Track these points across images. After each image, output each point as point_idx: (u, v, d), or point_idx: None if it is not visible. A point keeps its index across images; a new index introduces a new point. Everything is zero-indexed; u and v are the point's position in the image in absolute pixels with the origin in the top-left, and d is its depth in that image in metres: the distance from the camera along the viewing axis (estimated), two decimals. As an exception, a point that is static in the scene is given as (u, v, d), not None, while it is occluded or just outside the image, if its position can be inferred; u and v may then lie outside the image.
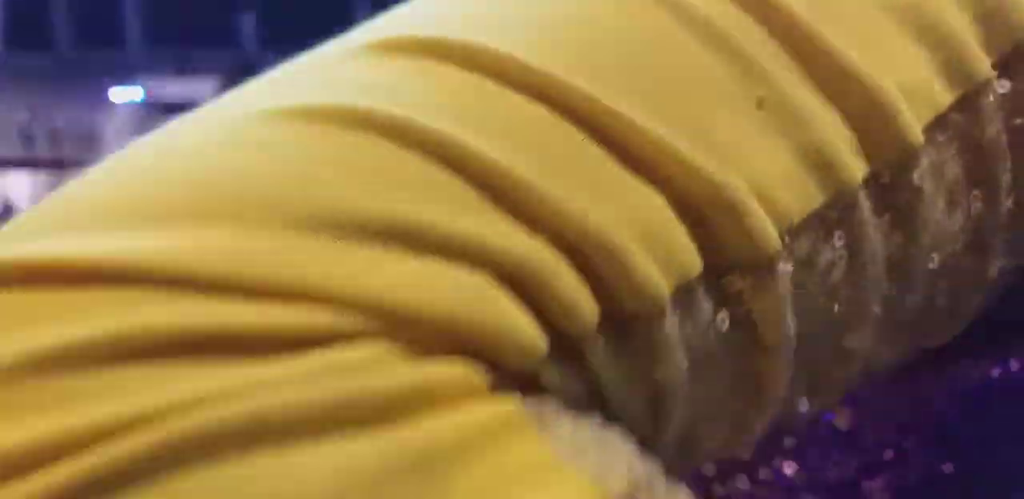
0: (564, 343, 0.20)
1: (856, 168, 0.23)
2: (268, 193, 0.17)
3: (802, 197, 0.22)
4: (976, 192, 0.25)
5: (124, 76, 18.50)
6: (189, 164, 0.18)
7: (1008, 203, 0.26)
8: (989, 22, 0.24)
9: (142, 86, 18.41)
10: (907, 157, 0.23)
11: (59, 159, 17.66)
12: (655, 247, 0.20)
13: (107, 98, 18.41)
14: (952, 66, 0.23)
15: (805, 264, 0.23)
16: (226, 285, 0.16)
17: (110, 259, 0.17)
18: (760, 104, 0.22)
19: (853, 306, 0.24)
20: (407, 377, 0.17)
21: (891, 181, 0.23)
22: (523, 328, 0.19)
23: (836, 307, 0.24)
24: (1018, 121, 0.25)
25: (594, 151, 0.20)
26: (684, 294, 0.21)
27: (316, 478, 0.16)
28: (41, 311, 0.16)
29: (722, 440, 0.25)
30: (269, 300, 0.16)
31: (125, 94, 18.08)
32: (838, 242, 0.23)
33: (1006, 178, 0.25)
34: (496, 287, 0.18)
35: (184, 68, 18.84)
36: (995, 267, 0.27)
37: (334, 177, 0.18)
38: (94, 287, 0.16)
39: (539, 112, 0.19)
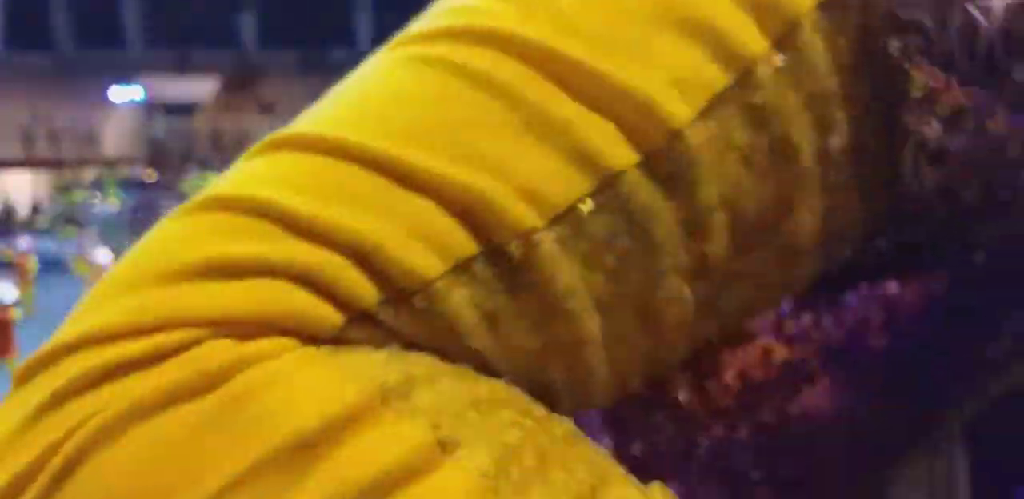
0: (362, 314, 0.28)
1: (621, 156, 0.29)
2: (152, 263, 0.28)
3: (568, 186, 0.29)
4: (771, 152, 0.30)
5: (124, 76, 18.49)
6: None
7: (811, 162, 0.30)
8: (761, 11, 0.30)
9: (142, 86, 18.40)
10: (674, 137, 0.29)
11: (59, 159, 17.71)
12: (424, 238, 0.28)
13: (107, 98, 18.40)
14: (724, 52, 0.30)
15: (587, 235, 0.29)
16: (127, 332, 0.27)
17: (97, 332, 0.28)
18: (524, 125, 0.29)
19: (649, 259, 0.30)
20: (228, 356, 0.26)
21: (665, 158, 0.29)
22: (315, 311, 0.27)
23: (631, 263, 0.30)
24: (812, 88, 0.30)
25: (381, 183, 0.29)
26: (464, 268, 0.28)
27: (160, 438, 0.26)
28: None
29: (569, 393, 0.31)
30: (151, 334, 0.27)
31: (125, 94, 18.08)
32: (617, 214, 0.29)
33: (803, 138, 0.30)
34: (293, 287, 0.27)
35: (184, 68, 18.84)
36: (809, 222, 0.31)
37: (186, 237, 0.29)
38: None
39: (345, 168, 0.29)
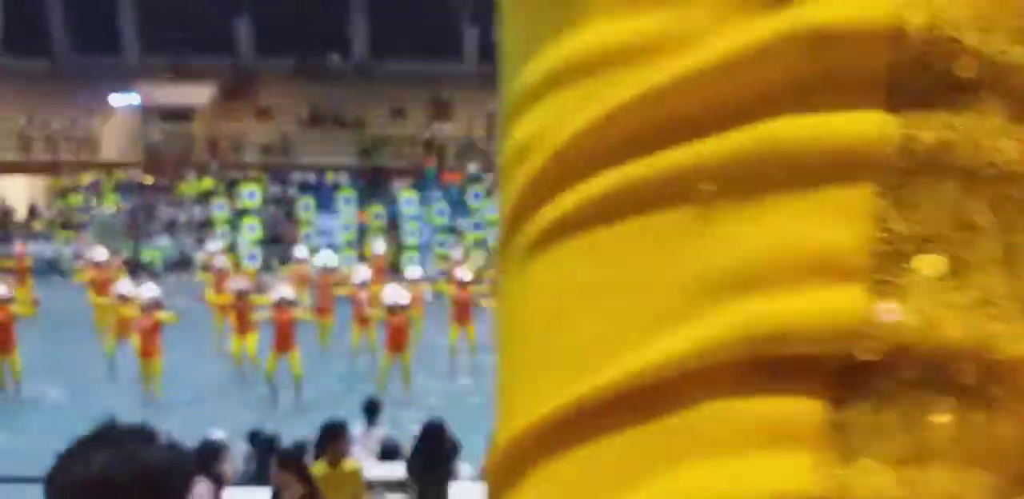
0: None
1: (877, 126, 0.21)
2: None
3: (849, 214, 0.21)
4: None
5: (121, 81, 18.46)
6: None
7: None
8: None
9: (138, 91, 18.39)
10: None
11: (56, 163, 17.67)
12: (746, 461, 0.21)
13: (104, 103, 18.38)
14: None
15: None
16: None
17: None
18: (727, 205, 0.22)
19: None
20: None
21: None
22: None
23: None
24: None
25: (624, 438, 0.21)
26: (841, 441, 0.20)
27: None
28: None
29: None
30: None
31: (122, 99, 18.05)
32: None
33: None
34: None
35: (180, 73, 18.81)
36: None
37: None
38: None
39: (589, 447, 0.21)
